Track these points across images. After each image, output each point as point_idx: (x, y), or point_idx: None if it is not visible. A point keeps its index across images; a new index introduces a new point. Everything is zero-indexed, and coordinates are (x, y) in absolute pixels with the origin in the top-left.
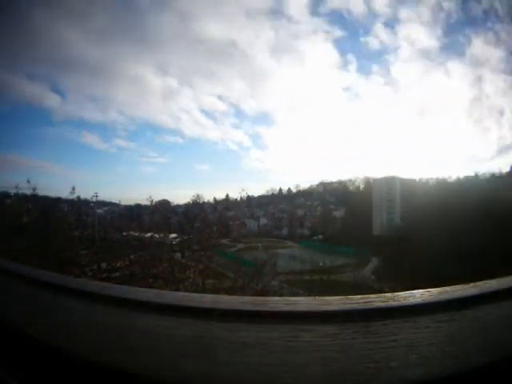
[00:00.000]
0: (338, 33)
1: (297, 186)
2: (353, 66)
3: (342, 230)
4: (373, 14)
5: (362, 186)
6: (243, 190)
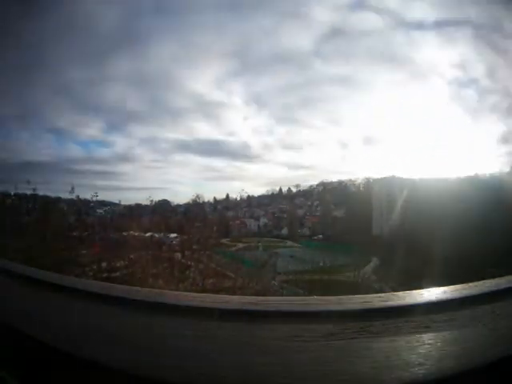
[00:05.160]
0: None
1: (297, 185)
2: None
3: (342, 230)
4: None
5: (362, 186)
6: (243, 190)
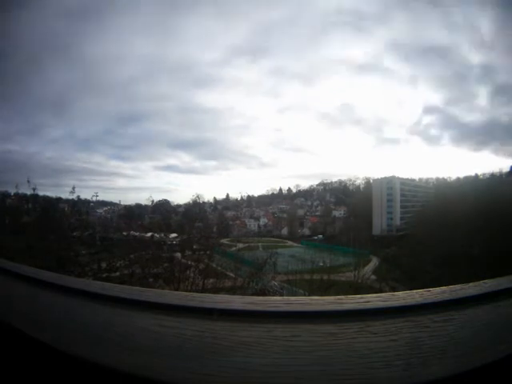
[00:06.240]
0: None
1: (297, 185)
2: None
3: (342, 230)
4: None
5: (362, 186)
6: (244, 190)
